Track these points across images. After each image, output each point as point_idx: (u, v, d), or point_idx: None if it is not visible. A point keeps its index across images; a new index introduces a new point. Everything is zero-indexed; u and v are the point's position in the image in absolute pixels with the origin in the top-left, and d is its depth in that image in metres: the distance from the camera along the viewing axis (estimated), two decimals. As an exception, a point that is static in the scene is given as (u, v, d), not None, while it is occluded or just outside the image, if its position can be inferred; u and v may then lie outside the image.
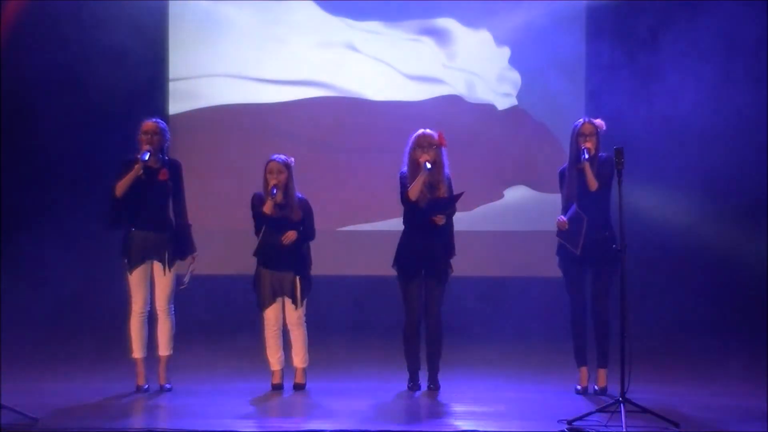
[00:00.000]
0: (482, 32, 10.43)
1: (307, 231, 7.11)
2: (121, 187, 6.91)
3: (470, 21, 10.40)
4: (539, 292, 9.64)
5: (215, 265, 9.32)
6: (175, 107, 10.48)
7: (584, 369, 7.06)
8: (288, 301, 7.13)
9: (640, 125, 9.64)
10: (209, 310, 9.73)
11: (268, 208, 6.95)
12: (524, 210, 10.32)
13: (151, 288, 7.08)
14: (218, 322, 9.77)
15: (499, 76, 10.45)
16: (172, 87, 10.50)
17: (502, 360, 8.50)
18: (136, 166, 6.88)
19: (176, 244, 7.06)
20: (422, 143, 6.99)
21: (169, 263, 7.03)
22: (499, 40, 10.40)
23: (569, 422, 5.99)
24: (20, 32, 9.78)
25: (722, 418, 6.28)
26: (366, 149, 10.30)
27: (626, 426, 5.83)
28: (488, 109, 10.47)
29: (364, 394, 6.99)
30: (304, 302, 7.16)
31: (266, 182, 7.01)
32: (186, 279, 7.09)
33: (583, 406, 6.48)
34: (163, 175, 6.99)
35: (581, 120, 7.05)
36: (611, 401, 6.15)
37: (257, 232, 7.05)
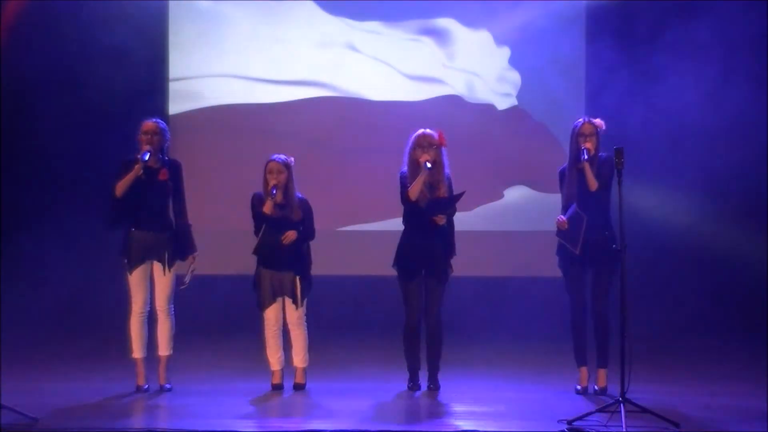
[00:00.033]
0: (482, 32, 10.43)
1: (307, 231, 7.11)
2: (122, 187, 6.91)
3: (470, 21, 10.41)
4: (539, 292, 9.64)
5: (215, 265, 9.33)
6: (175, 107, 10.48)
7: (584, 369, 7.06)
8: (288, 301, 7.13)
9: (639, 125, 9.64)
10: (209, 310, 9.72)
11: (268, 208, 6.95)
12: (524, 210, 10.33)
13: (151, 288, 7.08)
14: (218, 322, 9.78)
15: (499, 76, 10.45)
16: (172, 87, 10.51)
17: (502, 360, 8.50)
18: (137, 166, 6.87)
19: (176, 244, 7.06)
20: (422, 143, 6.99)
21: (169, 263, 7.03)
22: (499, 40, 10.40)
23: (569, 422, 5.99)
24: (20, 32, 9.79)
25: (722, 418, 6.28)
26: (366, 149, 10.30)
27: (626, 426, 5.83)
28: (488, 109, 10.47)
29: (364, 394, 6.99)
30: (305, 302, 7.16)
31: (266, 182, 7.01)
32: (187, 279, 7.09)
33: (583, 406, 6.48)
34: (163, 175, 6.98)
35: (581, 120, 7.05)
36: (611, 401, 6.15)
37: (257, 233, 7.05)
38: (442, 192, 7.01)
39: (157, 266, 7.03)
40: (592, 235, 6.90)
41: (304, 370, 7.21)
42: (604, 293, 7.01)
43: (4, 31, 9.66)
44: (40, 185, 9.98)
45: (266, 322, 7.14)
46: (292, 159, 7.12)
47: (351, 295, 10.08)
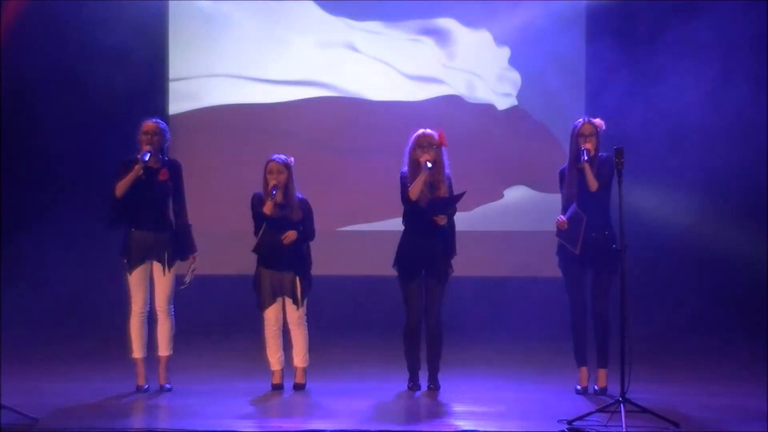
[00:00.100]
0: (482, 32, 10.43)
1: (306, 231, 7.11)
2: (122, 187, 6.91)
3: (470, 21, 10.41)
4: (539, 292, 9.63)
5: (215, 265, 9.31)
6: (175, 107, 10.48)
7: (584, 369, 7.06)
8: (288, 301, 7.13)
9: (639, 125, 9.63)
10: (209, 310, 9.72)
11: (267, 208, 6.94)
12: (524, 210, 10.33)
13: (150, 288, 7.07)
14: (218, 322, 9.78)
15: (499, 76, 10.45)
16: (172, 87, 10.51)
17: (502, 360, 8.50)
18: (137, 167, 6.87)
19: (176, 244, 7.06)
20: (422, 143, 6.99)
21: (169, 263, 7.03)
22: (499, 40, 10.40)
23: (569, 422, 5.99)
24: (20, 32, 9.79)
25: (722, 418, 6.28)
26: (366, 149, 10.31)
27: (626, 426, 5.83)
28: (488, 109, 10.47)
29: (364, 394, 6.99)
30: (305, 302, 7.16)
31: (266, 182, 7.01)
32: (187, 279, 7.09)
33: (583, 406, 6.48)
34: (164, 175, 6.98)
35: (581, 120, 7.05)
36: (611, 401, 6.15)
37: (257, 233, 7.05)
38: (443, 192, 7.01)
39: (156, 266, 7.03)
40: (592, 235, 6.90)
41: (304, 370, 7.20)
42: (604, 293, 7.01)
43: (4, 31, 9.66)
44: (40, 185, 9.98)
45: (266, 322, 7.14)
46: (292, 159, 7.12)
47: (351, 295, 10.08)
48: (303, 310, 7.15)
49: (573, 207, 6.91)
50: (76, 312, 9.86)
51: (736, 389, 7.26)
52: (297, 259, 7.09)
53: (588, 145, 6.88)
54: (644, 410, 6.05)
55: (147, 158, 6.88)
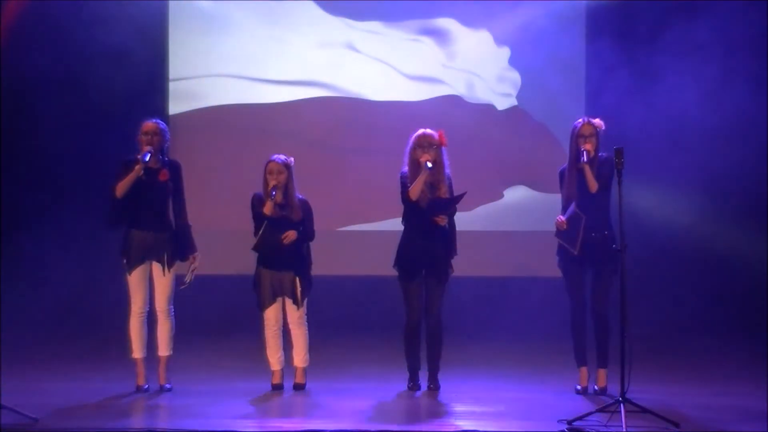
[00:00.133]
0: (482, 32, 10.43)
1: (306, 231, 7.11)
2: (122, 187, 6.90)
3: (470, 21, 10.41)
4: (539, 292, 9.63)
5: (215, 265, 9.31)
6: (175, 107, 10.48)
7: (584, 369, 7.06)
8: (289, 301, 7.13)
9: (639, 125, 9.63)
10: (209, 310, 9.72)
11: (267, 208, 6.94)
12: (524, 210, 10.33)
13: (150, 288, 7.07)
14: (218, 322, 9.78)
15: (499, 76, 10.45)
16: (172, 87, 10.51)
17: (502, 360, 8.50)
18: (137, 167, 6.87)
19: (176, 244, 7.06)
20: (422, 143, 6.99)
21: (169, 264, 7.03)
22: (499, 40, 10.40)
23: (569, 422, 5.99)
24: (20, 32, 9.79)
25: (722, 418, 6.28)
26: (366, 149, 10.31)
27: (626, 426, 5.83)
28: (488, 109, 10.47)
29: (364, 394, 6.99)
30: (305, 302, 7.15)
31: (266, 183, 7.01)
32: (187, 279, 7.09)
33: (583, 406, 6.47)
34: (164, 175, 6.98)
35: (580, 120, 7.04)
36: (611, 401, 6.15)
37: (257, 233, 7.05)
38: (443, 192, 7.01)
39: (156, 267, 7.03)
40: (591, 235, 6.91)
41: (305, 370, 7.20)
42: (603, 293, 7.01)
43: (4, 31, 9.66)
44: (40, 185, 9.98)
45: (266, 322, 7.14)
46: (292, 159, 7.12)
47: (351, 295, 10.08)
48: (303, 310, 7.15)
49: (572, 207, 6.91)
50: (76, 312, 9.86)
51: (736, 389, 7.25)
52: (297, 259, 7.09)
53: (588, 146, 6.88)
54: (644, 410, 6.05)
55: (147, 158, 6.87)
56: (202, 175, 9.84)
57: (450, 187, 7.07)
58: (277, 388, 7.14)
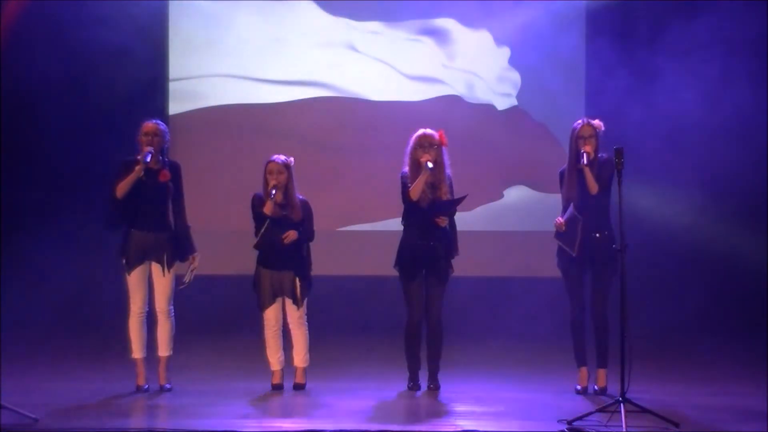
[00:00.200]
0: (482, 32, 10.43)
1: (306, 232, 7.11)
2: (122, 188, 6.90)
3: (470, 21, 10.41)
4: (539, 292, 9.63)
5: (215, 265, 9.32)
6: (175, 107, 10.49)
7: (584, 369, 7.06)
8: (288, 302, 7.13)
9: (639, 125, 9.63)
10: (209, 310, 9.72)
11: (268, 208, 6.94)
12: (524, 210, 10.33)
13: (150, 288, 7.07)
14: (218, 322, 9.78)
15: (499, 76, 10.46)
16: (172, 87, 10.51)
17: (502, 360, 8.50)
18: (137, 168, 6.87)
19: (175, 245, 7.05)
20: (423, 143, 6.99)
21: (168, 264, 7.02)
22: (499, 40, 10.40)
23: (569, 422, 5.99)
24: (20, 32, 9.79)
25: (722, 418, 6.28)
26: (366, 149, 10.31)
27: (626, 426, 5.82)
28: (488, 109, 10.47)
29: (365, 394, 6.99)
30: (305, 302, 7.16)
31: (266, 183, 7.01)
32: (186, 279, 7.08)
33: (583, 406, 6.47)
34: (164, 176, 6.98)
35: (580, 121, 7.03)
36: (611, 401, 6.14)
37: (257, 233, 7.05)
38: (444, 191, 7.01)
39: (156, 267, 7.03)
40: (591, 235, 6.91)
41: (305, 370, 7.20)
42: (603, 294, 7.01)
43: (4, 31, 9.66)
44: (41, 185, 9.98)
45: (266, 323, 7.14)
46: (292, 159, 7.12)
47: (351, 295, 10.08)
48: (303, 310, 7.15)
49: (570, 209, 6.92)
50: (76, 312, 9.87)
51: (736, 389, 7.26)
52: (297, 259, 7.10)
53: (587, 148, 6.87)
54: (644, 410, 6.05)
55: (149, 159, 6.87)
56: (202, 175, 9.85)
57: (450, 187, 7.07)
58: (277, 388, 7.14)
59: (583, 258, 6.94)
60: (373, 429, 5.92)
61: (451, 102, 10.42)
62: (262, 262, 7.13)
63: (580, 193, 6.93)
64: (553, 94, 10.20)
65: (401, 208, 7.14)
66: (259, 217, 7.02)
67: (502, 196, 10.45)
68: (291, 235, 6.97)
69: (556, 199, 7.31)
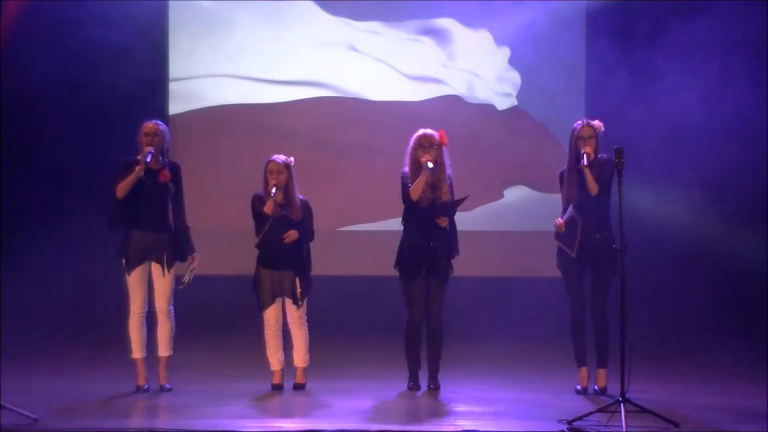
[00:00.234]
0: (482, 32, 10.43)
1: (306, 232, 7.11)
2: (122, 188, 6.90)
3: (470, 21, 10.41)
4: (539, 292, 9.63)
5: (215, 265, 9.32)
6: (175, 107, 10.49)
7: (584, 369, 7.06)
8: (288, 302, 7.13)
9: (639, 125, 9.64)
10: (209, 310, 9.72)
11: (268, 208, 6.94)
12: (524, 210, 10.33)
13: (150, 289, 7.07)
14: (218, 322, 9.78)
15: (499, 76, 10.46)
16: (172, 87, 10.51)
17: (502, 360, 8.50)
18: (138, 168, 6.87)
19: (175, 245, 7.05)
20: (423, 143, 6.99)
21: (168, 264, 7.02)
22: (499, 40, 10.40)
23: (569, 422, 5.99)
24: (20, 32, 9.78)
25: (722, 418, 6.28)
26: (366, 149, 10.31)
27: (626, 426, 5.83)
28: (488, 109, 10.47)
29: (365, 394, 6.99)
30: (305, 302, 7.15)
31: (266, 182, 7.01)
32: (185, 279, 7.09)
33: (583, 406, 6.47)
34: (164, 176, 6.98)
35: (579, 122, 7.03)
36: (611, 401, 6.15)
37: (258, 233, 7.05)
38: (444, 191, 7.01)
39: (156, 267, 7.03)
40: (591, 236, 6.91)
41: (305, 370, 7.21)
42: (603, 294, 7.01)
43: (5, 31, 9.66)
44: (41, 185, 9.98)
45: (266, 323, 7.14)
46: (292, 159, 7.12)
47: (351, 295, 10.08)
48: (303, 310, 7.15)
49: (570, 210, 6.92)
50: (76, 312, 9.86)
51: (736, 389, 7.26)
52: (297, 259, 7.10)
53: (587, 149, 6.87)
54: (644, 410, 6.05)
55: (149, 159, 6.87)
56: (202, 175, 9.84)
57: (451, 187, 7.07)
58: (277, 388, 7.14)
59: (583, 258, 6.95)
60: (373, 429, 5.92)
61: (451, 102, 10.42)
62: (262, 262, 7.13)
63: (579, 194, 6.93)
64: (553, 94, 10.20)
65: (401, 208, 7.15)
66: (259, 216, 7.02)
67: (502, 196, 10.45)
68: (291, 234, 6.97)
69: (556, 199, 7.31)
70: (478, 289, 9.84)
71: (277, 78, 10.49)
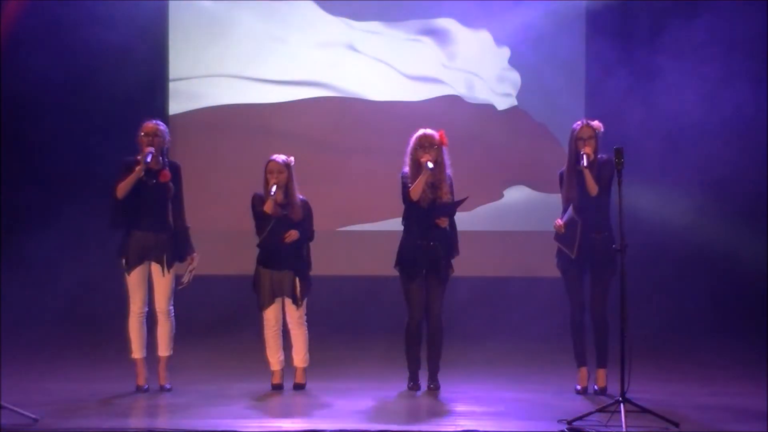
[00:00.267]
0: (482, 32, 10.43)
1: (306, 232, 7.11)
2: (123, 188, 6.90)
3: (470, 21, 10.41)
4: (539, 292, 9.64)
5: (215, 265, 9.32)
6: (175, 107, 10.49)
7: (584, 369, 7.06)
8: (288, 301, 7.13)
9: (639, 125, 9.64)
10: (209, 310, 9.73)
11: (269, 207, 6.94)
12: (524, 210, 10.33)
13: (150, 289, 7.07)
14: (218, 322, 9.77)
15: (499, 76, 10.46)
16: (172, 87, 10.51)
17: (502, 360, 8.50)
18: (138, 168, 6.87)
19: (175, 246, 7.05)
20: (423, 143, 6.99)
21: (168, 264, 7.02)
22: (499, 40, 10.40)
23: (569, 422, 5.99)
24: (20, 32, 9.79)
25: (722, 418, 6.28)
26: (366, 149, 10.31)
27: (626, 426, 5.83)
28: (488, 109, 10.47)
29: (365, 394, 6.99)
30: (305, 302, 7.15)
31: (266, 182, 7.02)
32: (184, 279, 7.09)
33: (583, 406, 6.47)
34: (164, 176, 6.98)
35: (579, 123, 7.03)
36: (611, 401, 6.15)
37: (258, 232, 7.06)
38: (444, 191, 7.01)
39: (156, 267, 7.03)
40: (591, 236, 6.91)
41: (305, 370, 7.20)
42: (602, 294, 7.01)
43: (5, 31, 9.66)
44: (41, 185, 9.98)
45: (266, 323, 7.14)
46: (292, 159, 7.12)
47: (351, 295, 10.08)
48: (303, 310, 7.15)
49: (569, 211, 6.92)
50: (76, 312, 9.86)
51: (736, 389, 7.26)
52: (297, 259, 7.10)
53: (587, 149, 6.87)
54: (644, 410, 6.05)
55: (150, 159, 6.87)
56: (202, 175, 9.85)
57: (451, 187, 7.07)
58: (277, 388, 7.14)
59: (583, 258, 6.95)
60: (373, 429, 5.92)
61: (451, 102, 10.42)
62: (262, 261, 7.13)
63: (579, 194, 6.92)
64: (553, 94, 10.20)
65: (401, 208, 7.15)
66: (259, 216, 7.02)
67: (502, 196, 10.45)
68: (293, 234, 6.97)
69: (556, 199, 7.31)
70: (478, 289, 9.84)
71: (277, 78, 10.49)
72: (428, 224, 7.00)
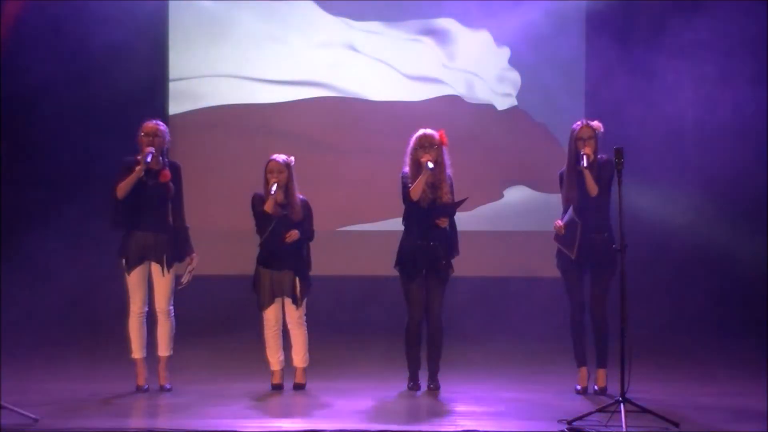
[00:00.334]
0: (482, 32, 10.43)
1: (306, 232, 7.11)
2: (123, 188, 6.90)
3: (470, 21, 10.41)
4: (539, 293, 9.64)
5: (215, 265, 9.33)
6: (175, 107, 10.49)
7: (584, 369, 7.06)
8: (288, 301, 7.13)
9: (639, 125, 9.64)
10: (209, 310, 9.73)
11: (269, 206, 6.94)
12: (524, 210, 10.33)
13: (150, 288, 7.07)
14: (218, 322, 9.77)
15: (499, 76, 10.46)
16: (172, 87, 10.51)
17: (502, 360, 8.50)
18: (138, 168, 6.87)
19: (174, 246, 7.05)
20: (423, 143, 6.99)
21: (168, 264, 7.02)
22: (499, 40, 10.40)
23: (569, 422, 5.99)
24: (21, 32, 9.78)
25: (722, 418, 6.28)
26: (366, 149, 10.31)
27: (626, 426, 5.82)
28: (488, 109, 10.48)
29: (365, 394, 6.99)
30: (305, 302, 7.16)
31: (266, 182, 7.02)
32: (184, 279, 7.08)
33: (583, 406, 6.47)
34: (164, 176, 6.98)
35: (579, 123, 7.02)
36: (611, 401, 6.14)
37: (259, 231, 7.06)
38: (444, 191, 7.01)
39: (156, 267, 7.03)
40: (591, 236, 6.91)
41: (304, 370, 7.20)
42: (602, 294, 7.01)
43: (5, 31, 9.66)
44: (41, 185, 9.98)
45: (266, 323, 7.14)
46: (293, 159, 7.12)
47: (351, 295, 10.09)
48: (303, 310, 7.15)
49: (569, 212, 6.92)
50: (76, 312, 9.86)
51: (736, 389, 7.25)
52: (296, 259, 7.10)
53: (587, 150, 6.86)
54: (644, 410, 6.05)
55: (150, 159, 6.87)
56: (202, 175, 9.85)
57: (451, 187, 7.07)
58: (277, 388, 7.14)
59: (583, 259, 6.94)
60: (373, 429, 5.92)
61: (451, 102, 10.43)
62: (261, 262, 7.13)
63: (579, 195, 6.92)
64: (553, 94, 10.20)
65: (401, 208, 7.15)
66: (259, 216, 7.02)
67: (502, 196, 10.45)
68: (293, 234, 6.97)
69: (556, 199, 7.31)
70: (478, 289, 9.84)
71: (277, 78, 10.49)
72: (428, 224, 7.00)
